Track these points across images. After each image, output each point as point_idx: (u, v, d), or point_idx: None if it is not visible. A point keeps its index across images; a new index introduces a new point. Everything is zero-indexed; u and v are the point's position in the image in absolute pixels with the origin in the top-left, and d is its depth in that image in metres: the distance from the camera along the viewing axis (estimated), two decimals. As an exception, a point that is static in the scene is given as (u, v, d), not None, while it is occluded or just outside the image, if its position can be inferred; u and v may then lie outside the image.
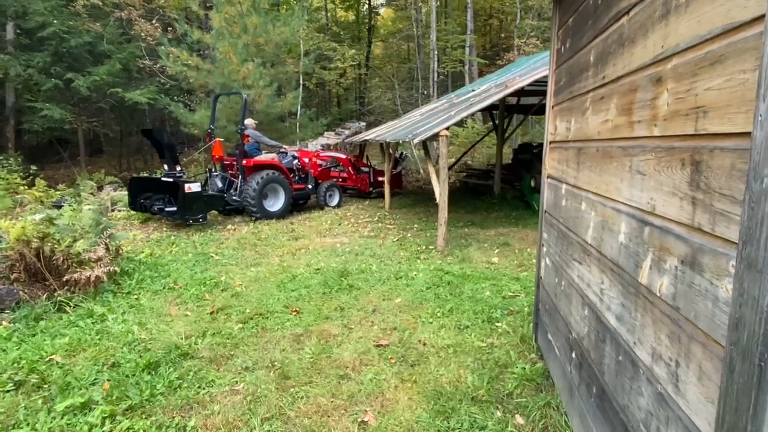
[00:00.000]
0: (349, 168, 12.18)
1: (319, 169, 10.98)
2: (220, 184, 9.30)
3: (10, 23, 15.47)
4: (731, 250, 1.11)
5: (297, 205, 10.31)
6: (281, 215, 9.34)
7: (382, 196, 12.14)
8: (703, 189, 1.26)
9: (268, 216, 9.10)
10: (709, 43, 1.25)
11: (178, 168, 8.46)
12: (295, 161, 10.39)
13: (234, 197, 9.08)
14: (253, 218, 8.98)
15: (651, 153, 1.58)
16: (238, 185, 9.14)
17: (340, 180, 11.98)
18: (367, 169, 12.42)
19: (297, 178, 10.35)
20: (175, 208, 8.15)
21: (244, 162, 9.12)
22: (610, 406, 1.91)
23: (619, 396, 1.82)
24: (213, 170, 9.74)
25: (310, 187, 10.43)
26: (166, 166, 8.57)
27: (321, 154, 11.73)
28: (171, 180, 8.14)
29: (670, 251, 1.42)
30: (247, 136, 9.41)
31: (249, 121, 9.75)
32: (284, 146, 10.57)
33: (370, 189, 12.26)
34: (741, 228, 1.05)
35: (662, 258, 1.48)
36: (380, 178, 12.28)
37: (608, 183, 2.01)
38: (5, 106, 16.52)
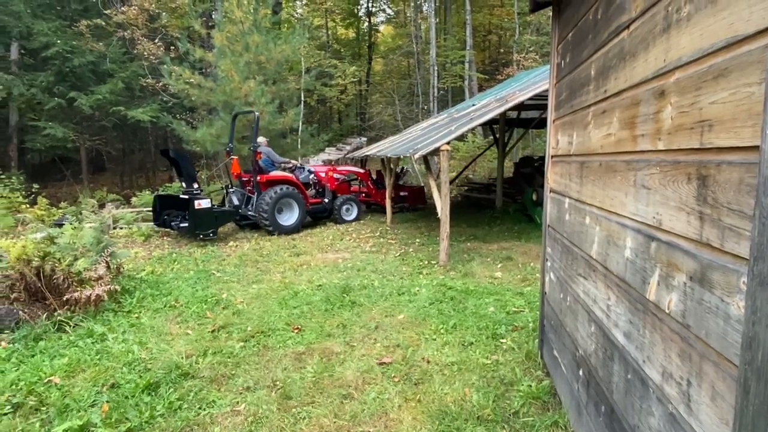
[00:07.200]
0: (368, 182, 12.09)
1: (336, 183, 11.00)
2: (236, 201, 9.61)
3: (14, 43, 15.68)
4: (742, 266, 1.08)
5: (316, 219, 10.53)
6: (295, 229, 9.51)
7: (404, 210, 12.13)
8: (710, 204, 1.23)
9: (282, 230, 9.29)
10: (712, 56, 1.24)
11: (195, 185, 8.75)
12: (312, 176, 10.54)
13: (249, 212, 9.35)
14: (271, 233, 9.19)
15: (656, 167, 1.56)
16: (254, 200, 9.39)
17: (362, 195, 11.93)
18: None
19: (314, 192, 10.53)
20: (187, 224, 8.48)
21: (259, 178, 9.35)
22: (620, 426, 1.86)
23: (629, 416, 1.77)
24: (230, 187, 10.04)
25: (326, 201, 10.51)
26: (183, 184, 8.91)
27: (338, 169, 11.73)
28: (186, 197, 8.48)
29: (678, 267, 1.40)
30: (260, 152, 9.62)
31: (261, 139, 10.00)
32: (292, 161, 10.70)
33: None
34: (752, 244, 1.03)
35: (670, 274, 1.45)
36: (402, 193, 12.20)
37: (612, 197, 1.98)
38: (8, 125, 16.65)
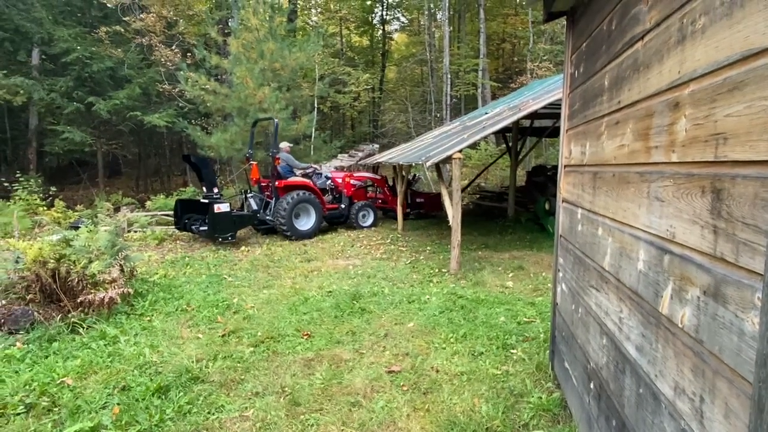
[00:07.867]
0: (385, 189, 12.14)
1: (353, 189, 11.07)
2: (255, 206, 9.78)
3: (35, 49, 16.04)
4: (757, 281, 1.07)
5: (332, 224, 10.67)
6: (312, 234, 9.63)
7: (420, 216, 12.16)
8: (725, 217, 1.22)
9: (299, 235, 9.41)
10: (727, 69, 1.23)
11: (215, 190, 8.95)
12: (329, 181, 10.68)
13: (267, 217, 9.54)
14: (288, 237, 9.31)
15: (669, 179, 1.55)
16: (272, 205, 9.55)
17: (379, 201, 11.99)
18: None
19: (331, 198, 10.66)
20: (207, 228, 8.71)
21: (277, 183, 9.50)
22: (631, 441, 1.83)
23: (640, 431, 1.74)
24: (248, 192, 10.22)
25: (343, 206, 10.61)
26: (204, 189, 9.12)
27: (355, 175, 11.84)
28: (206, 201, 8.69)
29: (692, 281, 1.38)
30: (278, 158, 9.74)
31: (284, 145, 10.14)
32: (312, 165, 10.86)
33: (408, 210, 12.00)
34: (767, 259, 1.01)
35: (683, 288, 1.43)
36: (418, 199, 12.24)
37: (625, 209, 1.97)
38: (28, 129, 17.03)
